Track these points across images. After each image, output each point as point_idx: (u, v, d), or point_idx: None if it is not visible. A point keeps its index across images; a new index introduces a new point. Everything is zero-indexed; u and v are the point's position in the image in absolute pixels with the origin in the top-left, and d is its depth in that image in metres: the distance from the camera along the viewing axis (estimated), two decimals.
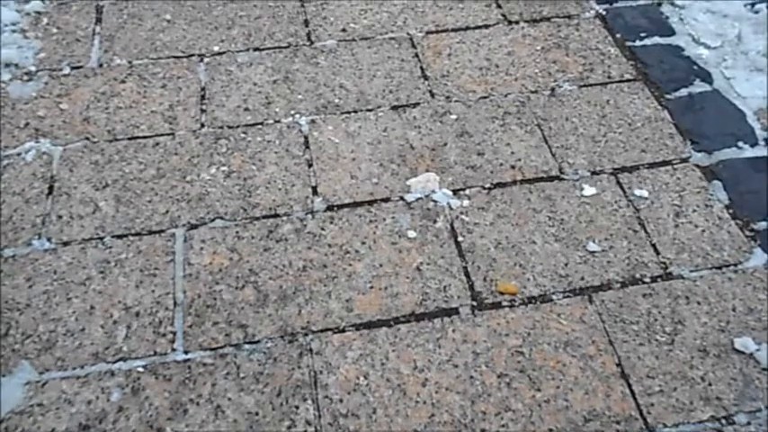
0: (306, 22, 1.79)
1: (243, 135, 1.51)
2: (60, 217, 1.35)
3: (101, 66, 1.67)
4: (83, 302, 1.22)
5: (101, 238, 1.32)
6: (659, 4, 1.87)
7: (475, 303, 1.23)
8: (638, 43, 1.76)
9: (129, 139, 1.50)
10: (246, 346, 1.17)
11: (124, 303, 1.22)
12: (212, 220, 1.35)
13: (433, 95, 1.61)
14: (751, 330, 1.20)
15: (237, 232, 1.33)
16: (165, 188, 1.41)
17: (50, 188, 1.40)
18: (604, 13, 1.84)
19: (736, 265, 1.31)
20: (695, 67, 1.69)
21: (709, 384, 1.13)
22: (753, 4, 1.85)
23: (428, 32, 1.77)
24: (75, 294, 1.23)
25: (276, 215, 1.36)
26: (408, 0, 1.86)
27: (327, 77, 1.64)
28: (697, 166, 1.48)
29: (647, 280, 1.28)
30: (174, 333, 1.18)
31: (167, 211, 1.36)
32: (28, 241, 1.31)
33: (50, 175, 1.43)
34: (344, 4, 1.84)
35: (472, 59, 1.70)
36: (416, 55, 1.71)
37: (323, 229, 1.34)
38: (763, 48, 1.73)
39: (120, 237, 1.32)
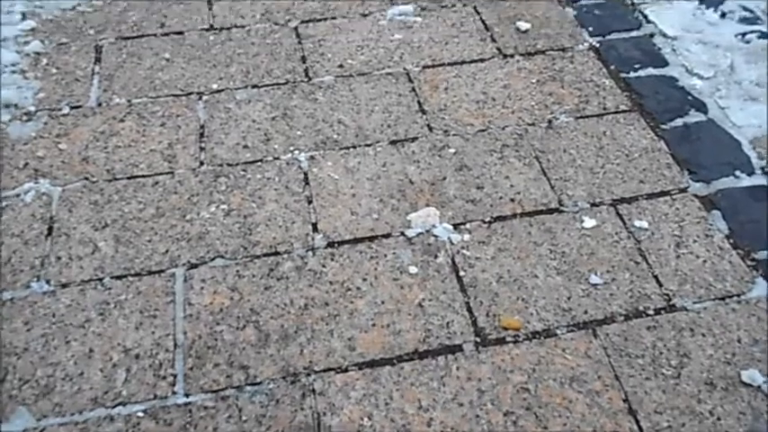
0: (303, 59, 1.81)
1: (242, 172, 1.51)
2: (59, 258, 1.34)
3: (100, 105, 1.68)
4: (81, 345, 1.21)
5: (100, 280, 1.31)
6: (651, 36, 1.89)
7: (478, 339, 1.22)
8: (632, 75, 1.78)
9: (129, 178, 1.50)
10: (248, 388, 1.15)
11: (124, 346, 1.21)
12: (212, 259, 1.34)
13: (431, 129, 1.62)
14: (757, 362, 1.19)
15: (238, 271, 1.32)
16: (164, 227, 1.40)
17: (50, 229, 1.40)
18: (598, 45, 1.87)
19: (739, 295, 1.30)
20: (690, 98, 1.71)
21: (718, 419, 1.12)
22: (743, 35, 1.88)
23: (424, 67, 1.79)
24: (74, 337, 1.22)
25: (277, 253, 1.36)
26: (404, 35, 1.88)
27: (326, 113, 1.65)
28: (696, 195, 1.49)
29: (651, 312, 1.27)
30: (175, 376, 1.17)
31: (167, 251, 1.36)
32: (26, 284, 1.30)
33: (50, 216, 1.42)
34: (341, 41, 1.86)
35: (469, 93, 1.72)
36: (413, 89, 1.72)
37: (324, 266, 1.33)
38: (755, 77, 1.75)
39: (119, 278, 1.31)
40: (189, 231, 1.39)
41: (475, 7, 1.99)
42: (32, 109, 1.66)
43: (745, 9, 1.97)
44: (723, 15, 1.95)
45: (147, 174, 1.51)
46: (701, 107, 1.69)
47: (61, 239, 1.38)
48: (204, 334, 1.23)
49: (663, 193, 1.49)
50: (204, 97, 1.69)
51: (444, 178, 1.50)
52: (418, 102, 1.69)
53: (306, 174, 1.51)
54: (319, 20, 1.93)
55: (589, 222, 1.42)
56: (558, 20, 1.94)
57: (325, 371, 1.17)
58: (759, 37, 1.87)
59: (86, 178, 1.50)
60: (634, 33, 1.91)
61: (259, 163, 1.53)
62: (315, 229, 1.40)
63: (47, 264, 1.33)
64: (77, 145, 1.58)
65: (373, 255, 1.35)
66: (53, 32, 1.89)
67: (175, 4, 1.98)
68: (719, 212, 1.45)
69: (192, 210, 1.43)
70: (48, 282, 1.30)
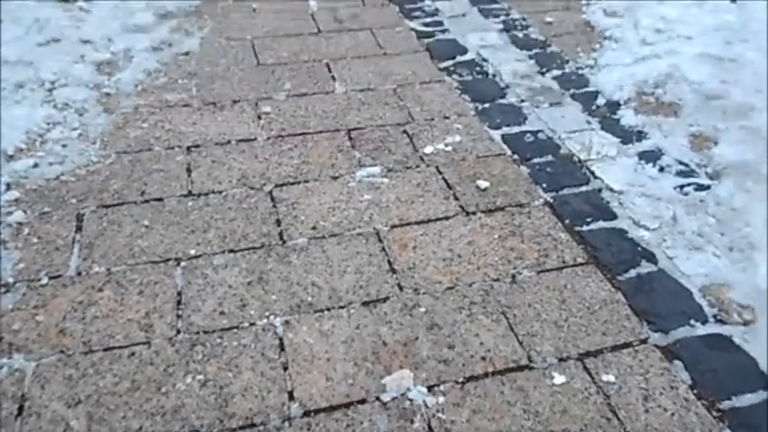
0: (278, 222, 1.91)
1: (219, 340, 1.54)
2: None
3: (79, 274, 1.72)
4: None
5: None
6: (599, 191, 2.06)
7: None
8: (585, 228, 1.91)
9: (105, 350, 1.51)
10: None
11: None
12: None
13: (401, 289, 1.69)
14: None
15: None
16: (139, 401, 1.39)
17: (20, 408, 1.38)
18: (552, 200, 2.02)
19: None
20: (639, 249, 1.84)
21: None
22: (681, 187, 2.07)
23: (393, 226, 1.90)
24: None
25: (253, 425, 1.35)
26: (373, 196, 2.01)
27: (300, 276, 1.72)
28: (656, 346, 1.56)
29: None
30: None
31: (141, 428, 1.34)
32: None
33: (21, 394, 1.41)
34: (314, 203, 1.98)
35: (436, 251, 1.82)
36: (383, 249, 1.82)
37: None
38: (696, 227, 1.90)
39: None
40: (164, 405, 1.39)
41: (437, 167, 2.15)
42: (11, 280, 1.70)
43: (681, 163, 2.18)
44: (661, 169, 2.15)
45: (123, 345, 1.53)
46: (651, 258, 1.81)
47: (31, 419, 1.36)
48: None
49: (625, 345, 1.56)
50: (182, 263, 1.75)
51: (416, 338, 1.55)
52: (388, 261, 1.78)
53: (281, 339, 1.54)
54: (293, 183, 2.06)
55: (559, 379, 1.46)
56: (514, 177, 2.11)
57: None
58: (695, 189, 2.05)
59: (62, 351, 1.51)
60: (584, 188, 2.08)
61: (235, 330, 1.57)
62: (291, 397, 1.41)
63: None
64: (55, 316, 1.60)
65: (349, 422, 1.36)
66: (36, 202, 1.96)
67: (156, 171, 2.10)
68: (681, 363, 1.52)
69: (167, 381, 1.44)
70: None
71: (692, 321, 1.62)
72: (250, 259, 1.77)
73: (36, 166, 2.12)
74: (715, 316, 1.64)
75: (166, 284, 1.69)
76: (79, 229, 1.87)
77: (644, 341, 1.57)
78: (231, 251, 1.80)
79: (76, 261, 1.76)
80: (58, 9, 3.06)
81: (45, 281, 1.70)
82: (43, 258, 1.77)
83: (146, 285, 1.69)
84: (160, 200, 1.98)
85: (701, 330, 1.60)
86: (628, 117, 2.42)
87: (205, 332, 1.56)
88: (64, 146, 2.21)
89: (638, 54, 2.80)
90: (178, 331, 1.56)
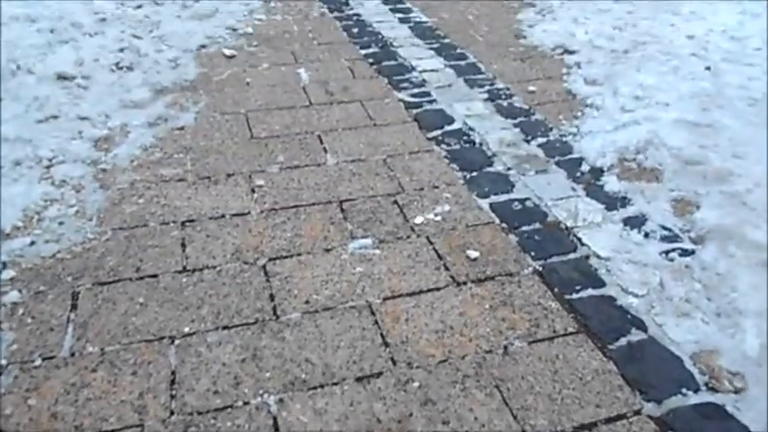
0: (272, 297, 1.93)
1: (212, 421, 1.53)
2: None
3: (72, 355, 1.72)
4: None
5: None
6: (587, 258, 2.11)
7: None
8: (574, 296, 1.94)
9: None
10: None
11: None
12: None
13: (394, 363, 1.70)
14: None
15: None
16: None
17: None
18: (541, 268, 2.06)
19: None
20: (629, 316, 1.87)
21: None
22: (667, 253, 2.11)
23: (385, 299, 1.92)
24: None
25: None
26: (365, 268, 2.05)
27: (294, 352, 1.73)
28: (650, 417, 1.56)
29: None
30: None
31: None
32: None
33: None
34: (307, 277, 2.01)
35: (428, 323, 1.84)
36: (376, 322, 1.83)
37: None
38: (683, 293, 1.93)
39: None
40: None
41: (428, 237, 2.20)
42: (4, 362, 1.69)
43: (665, 228, 2.23)
44: (646, 235, 2.20)
45: (116, 428, 1.52)
46: (641, 325, 1.83)
47: None
48: None
49: (619, 417, 1.56)
50: (176, 341, 1.76)
51: (411, 414, 1.55)
52: (381, 334, 1.79)
53: (275, 418, 1.54)
54: (286, 257, 2.09)
55: None
56: (503, 246, 2.16)
57: None
58: (680, 254, 2.10)
59: None
60: (572, 256, 2.12)
61: (229, 409, 1.56)
62: None
63: None
64: (47, 400, 1.59)
65: None
66: (32, 281, 1.98)
67: (151, 247, 2.13)
68: None
69: None
70: None
71: (684, 390, 1.63)
72: (244, 336, 1.78)
73: (32, 244, 2.14)
74: (706, 384, 1.65)
75: (160, 363, 1.69)
76: (74, 307, 1.88)
77: (638, 412, 1.58)
78: (225, 328, 1.81)
79: (70, 341, 1.76)
80: (57, 87, 3.16)
81: (38, 362, 1.70)
82: (37, 339, 1.77)
83: (139, 365, 1.69)
84: (155, 276, 2.00)
85: (694, 399, 1.61)
86: (611, 183, 2.49)
87: (199, 413, 1.55)
88: (60, 223, 2.24)
89: (618, 121, 2.91)
90: (172, 412, 1.55)
